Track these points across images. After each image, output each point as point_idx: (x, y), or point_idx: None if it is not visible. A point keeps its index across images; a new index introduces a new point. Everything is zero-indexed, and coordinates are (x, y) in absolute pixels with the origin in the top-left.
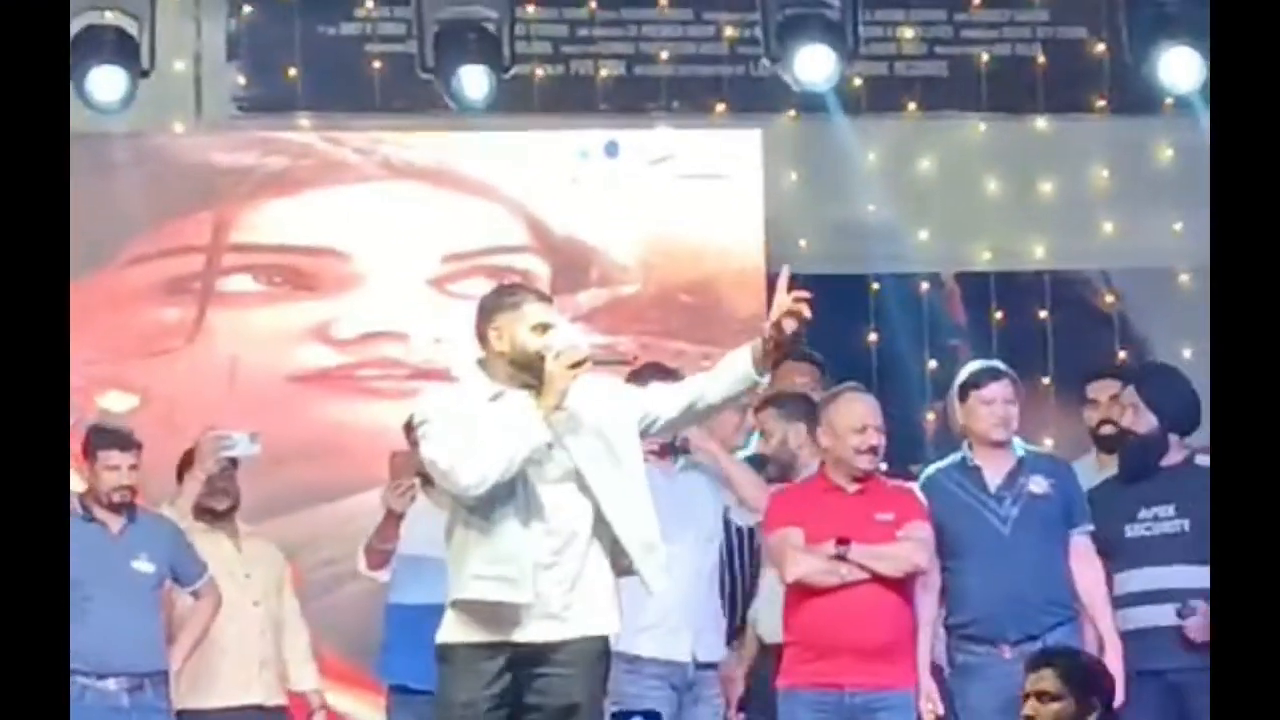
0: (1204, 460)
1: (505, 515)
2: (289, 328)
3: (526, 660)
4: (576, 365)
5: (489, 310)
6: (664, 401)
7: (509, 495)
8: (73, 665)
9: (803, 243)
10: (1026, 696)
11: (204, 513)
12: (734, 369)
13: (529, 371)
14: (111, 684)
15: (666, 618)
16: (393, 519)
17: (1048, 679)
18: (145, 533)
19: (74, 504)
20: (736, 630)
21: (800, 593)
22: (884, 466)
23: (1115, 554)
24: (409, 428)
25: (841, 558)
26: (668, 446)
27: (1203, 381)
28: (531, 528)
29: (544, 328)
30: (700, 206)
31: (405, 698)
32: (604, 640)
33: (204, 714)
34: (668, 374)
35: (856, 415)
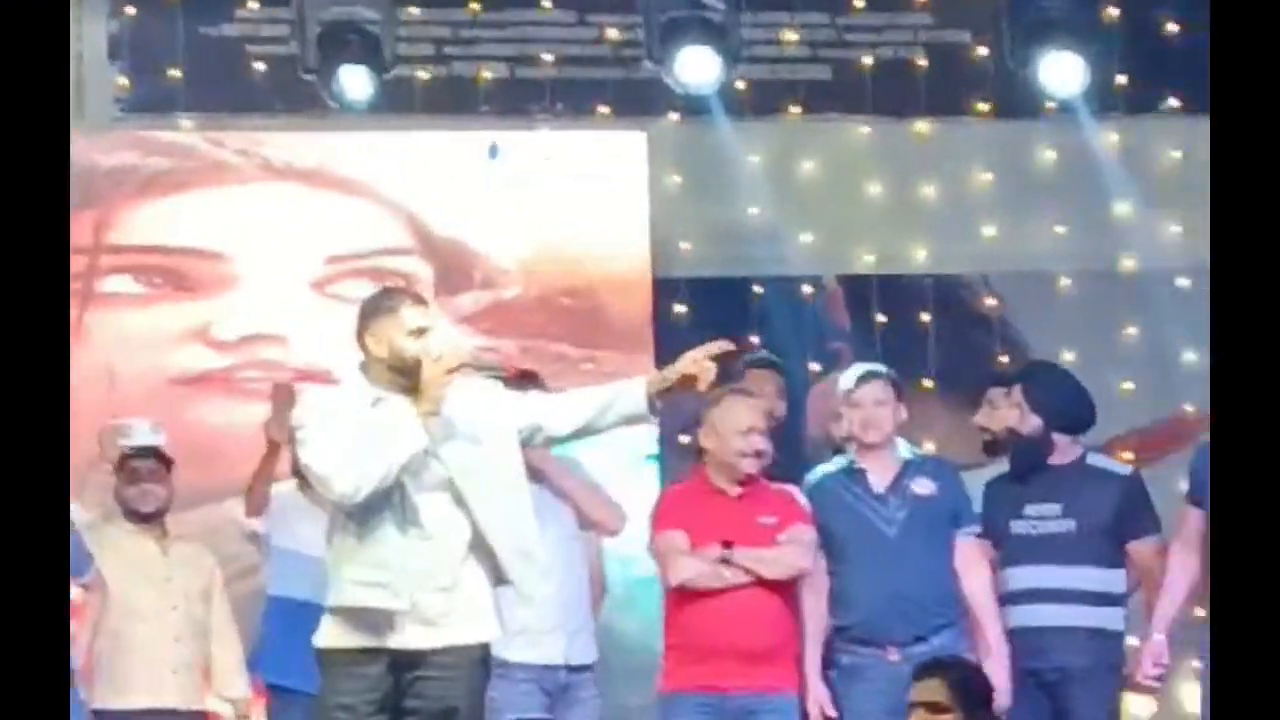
0: (1096, 460)
1: (383, 522)
2: (169, 329)
3: (405, 665)
4: (453, 370)
5: (367, 314)
6: (553, 418)
7: (387, 502)
8: None
9: (685, 245)
10: (914, 706)
11: (131, 514)
12: (627, 403)
13: (407, 376)
14: None
15: (538, 622)
16: (274, 453)
17: (936, 689)
18: None
19: None
20: None
21: (682, 596)
22: None
23: (1002, 550)
24: (268, 427)
25: (726, 561)
26: None
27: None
28: (409, 535)
29: (421, 332)
30: (583, 209)
31: (286, 698)
32: (483, 646)
33: (121, 714)
34: (537, 381)
35: (741, 418)
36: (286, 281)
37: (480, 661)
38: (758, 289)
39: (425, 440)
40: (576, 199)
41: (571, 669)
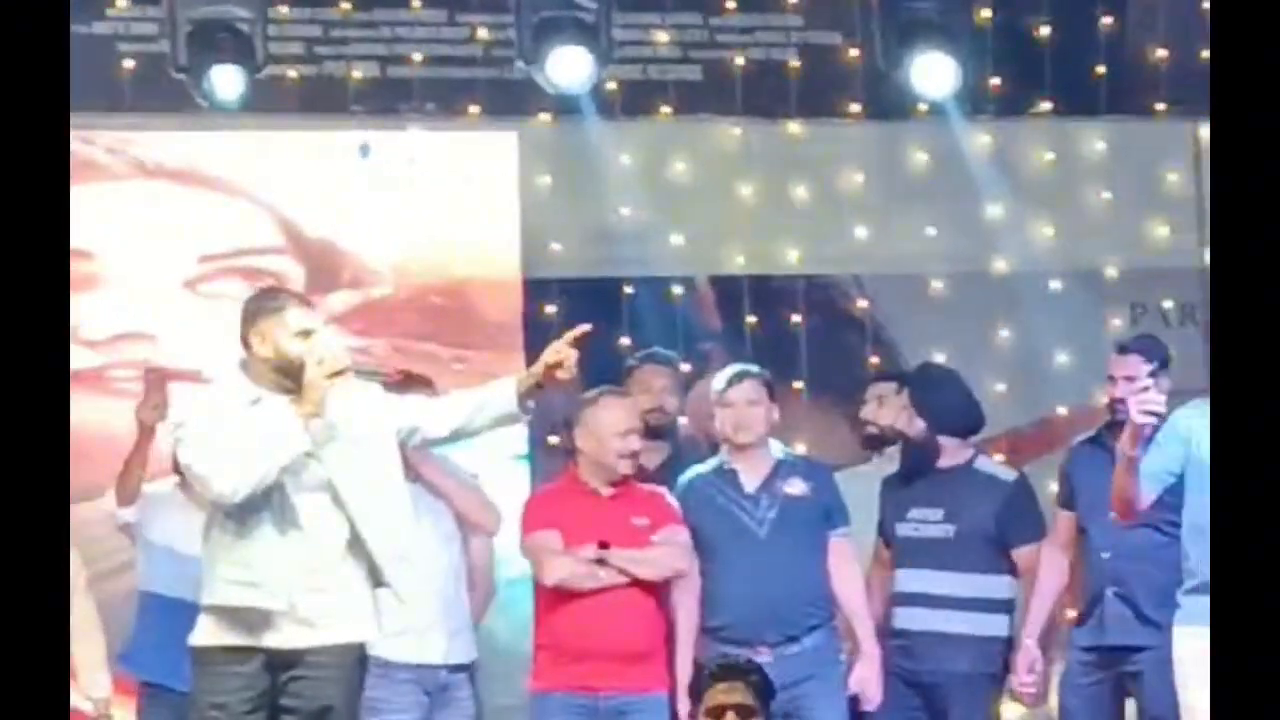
0: (983, 465)
1: (261, 522)
2: None
3: (281, 664)
4: (336, 374)
5: (252, 313)
6: (430, 420)
7: (265, 502)
8: None
9: (556, 246)
10: (721, 709)
11: None
12: (499, 403)
13: (289, 377)
14: None
15: (416, 621)
16: (146, 438)
17: (743, 692)
18: None
19: None
20: None
21: (554, 596)
22: None
23: (891, 550)
24: (139, 410)
25: (602, 561)
26: None
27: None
28: (287, 535)
29: (306, 333)
30: (454, 209)
31: (157, 695)
32: (360, 646)
33: None
34: (426, 385)
35: (618, 419)
36: (157, 280)
37: (356, 661)
38: (629, 289)
39: (306, 442)
40: (447, 199)
41: (451, 669)
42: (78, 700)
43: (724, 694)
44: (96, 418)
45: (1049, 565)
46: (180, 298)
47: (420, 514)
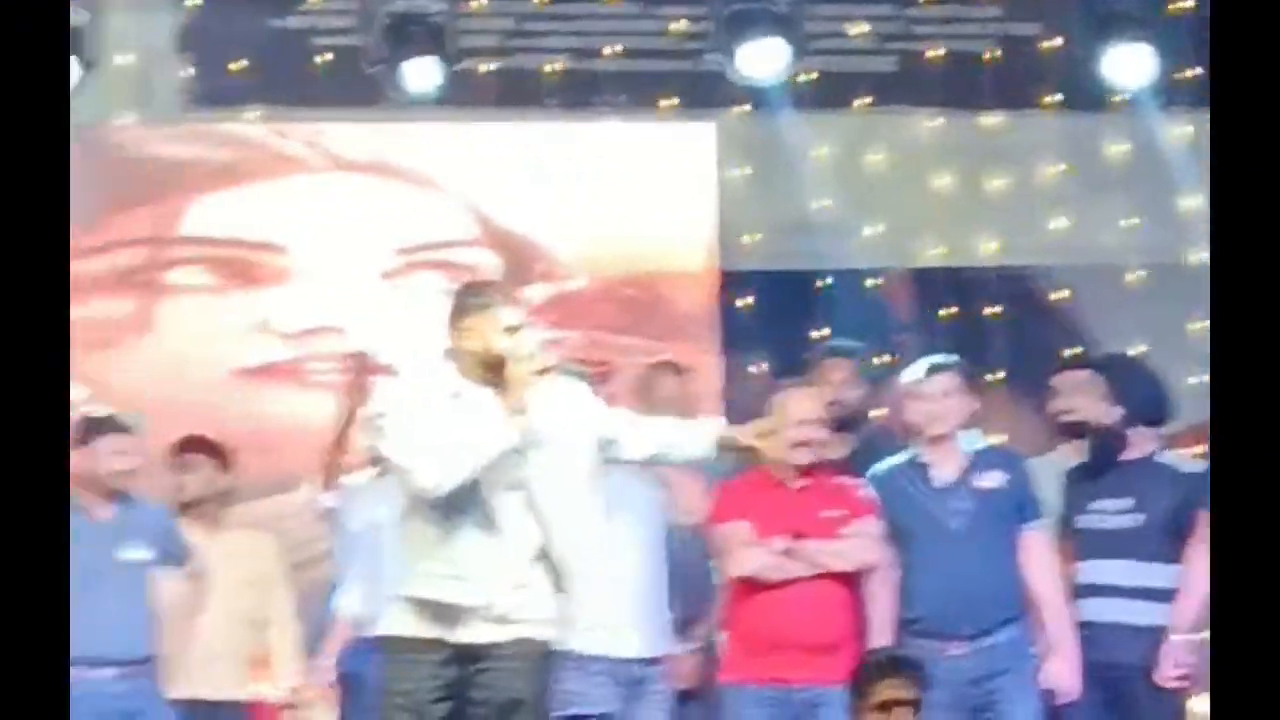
0: (1165, 458)
1: (463, 517)
2: (234, 321)
3: (470, 656)
4: (542, 371)
5: (460, 307)
6: (630, 440)
7: (468, 498)
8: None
9: (751, 238)
10: (890, 705)
11: (175, 505)
12: (697, 448)
13: (494, 372)
14: (106, 673)
15: (612, 615)
16: (349, 422)
17: (910, 687)
18: (135, 519)
19: None
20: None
21: (745, 587)
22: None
23: (1074, 543)
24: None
25: (792, 553)
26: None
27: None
28: (489, 532)
29: (513, 329)
30: (648, 201)
31: (359, 685)
32: (547, 642)
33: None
34: (676, 371)
35: (795, 409)
36: (353, 272)
37: (545, 655)
38: (824, 282)
39: (514, 439)
40: (643, 191)
41: (644, 662)
42: (268, 689)
43: (896, 688)
44: (292, 409)
45: (1199, 563)
46: (377, 290)
47: (621, 506)
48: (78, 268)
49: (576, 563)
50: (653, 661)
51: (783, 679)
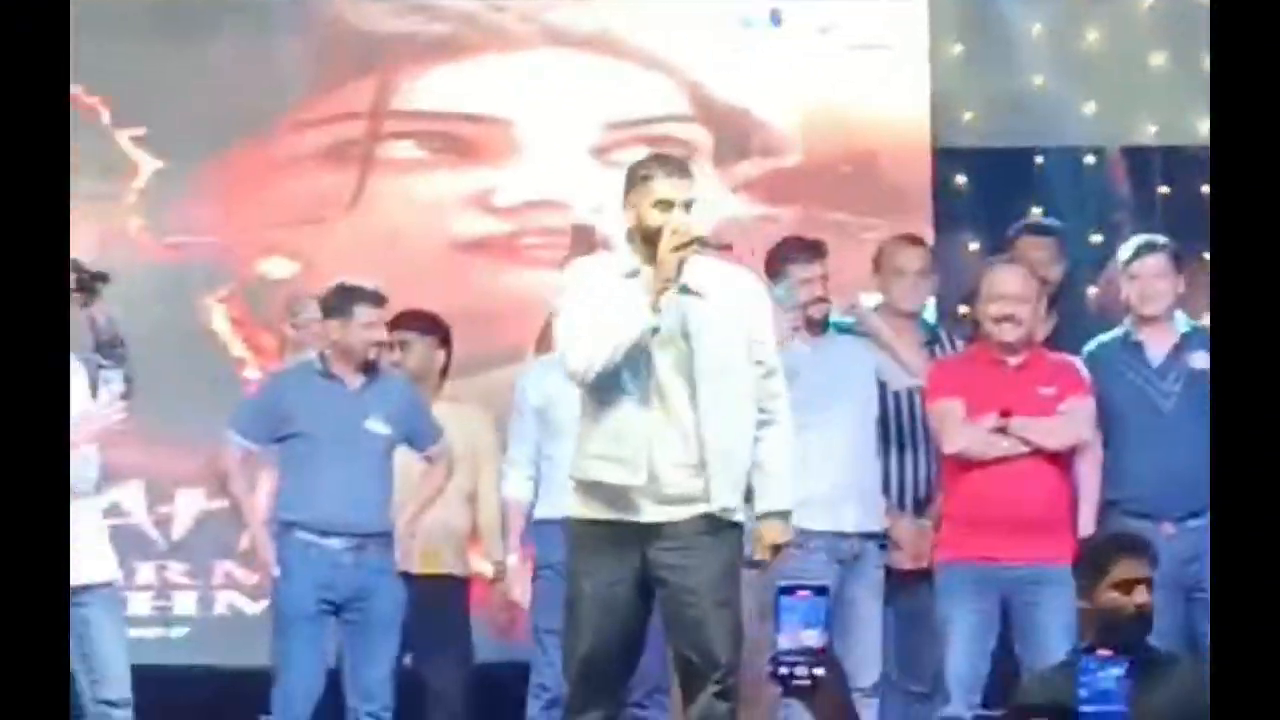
0: None
1: (625, 396)
2: (449, 195)
3: (647, 537)
4: (682, 246)
5: (627, 181)
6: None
7: (632, 375)
8: (299, 520)
9: (967, 115)
10: (1131, 584)
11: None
12: (766, 500)
13: (653, 249)
14: (336, 543)
15: (828, 489)
16: None
17: (1148, 566)
18: (383, 392)
19: (313, 359)
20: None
21: (959, 465)
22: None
23: None
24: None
25: (1003, 430)
26: (813, 321)
27: None
28: (651, 409)
29: (667, 204)
30: (864, 77)
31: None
32: (729, 519)
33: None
34: (811, 248)
35: (998, 285)
36: (567, 148)
37: (728, 533)
38: (1039, 159)
39: (653, 320)
40: (857, 66)
41: (863, 536)
42: (478, 564)
43: (1133, 567)
44: (507, 284)
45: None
46: (588, 166)
47: (838, 384)
48: (290, 141)
49: (721, 441)
50: (869, 536)
51: (993, 557)
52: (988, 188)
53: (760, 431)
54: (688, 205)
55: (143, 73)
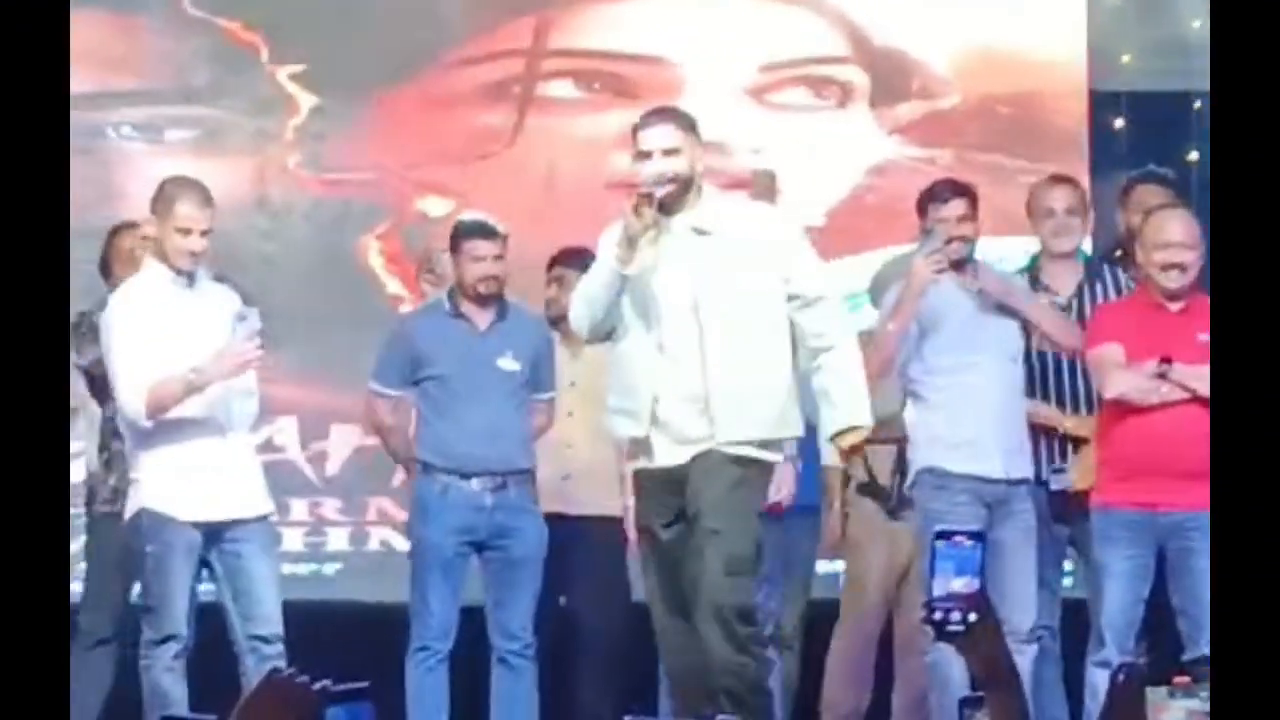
0: None
1: (629, 346)
2: (607, 134)
3: (677, 480)
4: (641, 199)
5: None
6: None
7: (643, 325)
8: (436, 462)
9: (1125, 58)
10: None
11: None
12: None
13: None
14: (475, 483)
15: (972, 433)
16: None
17: None
18: (514, 330)
19: (442, 299)
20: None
21: (1117, 410)
22: None
23: None
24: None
25: (1163, 376)
26: (961, 263)
27: None
28: (661, 356)
29: (644, 155)
30: (1022, 18)
31: None
32: (735, 453)
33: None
34: (949, 186)
35: (1163, 231)
36: (724, 89)
37: (736, 466)
38: (1198, 104)
39: (620, 269)
40: (1015, 8)
41: (1010, 482)
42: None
43: None
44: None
45: None
46: (745, 106)
47: (979, 335)
48: (449, 79)
49: (741, 385)
50: (1018, 482)
51: (1149, 503)
52: (1145, 131)
53: (818, 360)
54: (669, 152)
55: (302, 9)
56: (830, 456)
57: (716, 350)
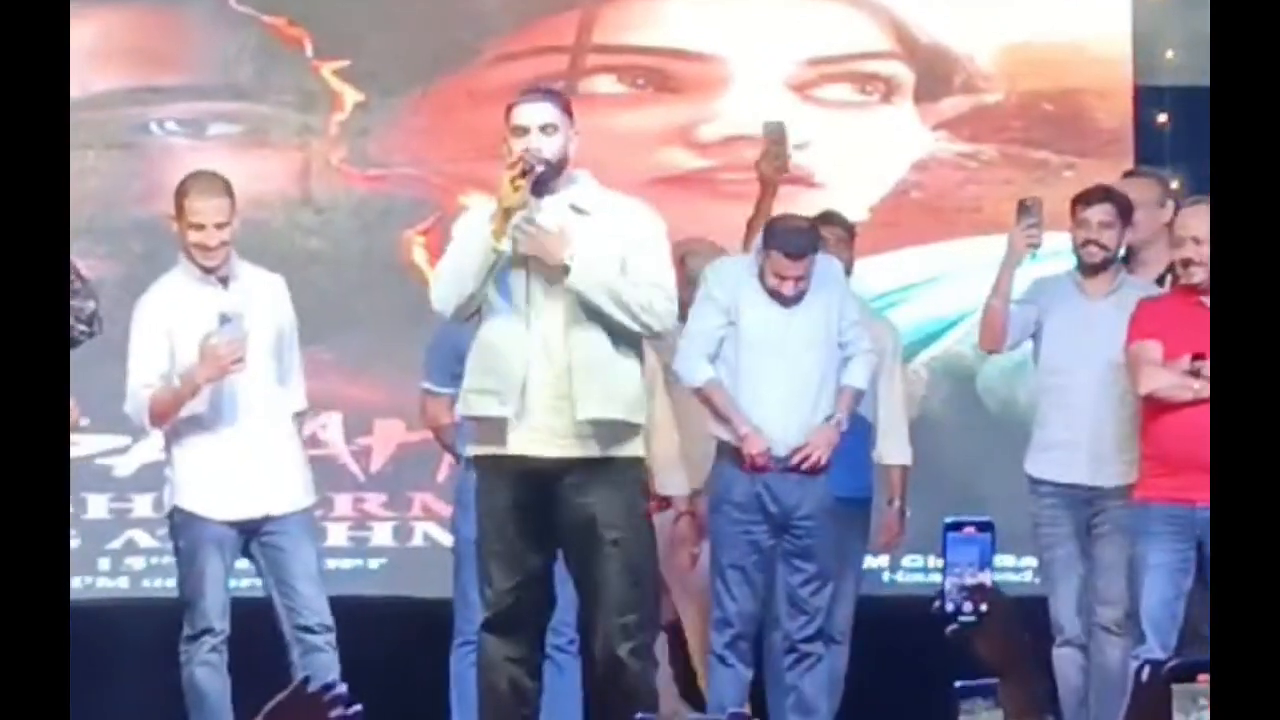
0: None
1: (494, 327)
2: (650, 130)
3: (549, 475)
4: (518, 170)
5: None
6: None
7: (508, 303)
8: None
9: (1170, 54)
10: None
11: None
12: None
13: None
14: None
15: (1070, 440)
16: (768, 193)
17: None
18: None
19: None
20: None
21: (1155, 407)
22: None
23: None
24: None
25: (1196, 373)
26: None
27: None
28: (521, 333)
29: (521, 130)
30: (1067, 14)
31: None
32: (627, 459)
33: None
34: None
35: (1185, 227)
36: (769, 84)
37: (632, 472)
38: None
39: (494, 245)
40: (1059, 3)
41: (1097, 489)
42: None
43: None
44: (709, 219)
45: None
46: (788, 101)
47: (1091, 337)
48: (492, 74)
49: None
50: (1105, 491)
51: (1189, 498)
52: (1190, 126)
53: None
54: (545, 129)
55: (346, 5)
56: (891, 454)
57: (574, 323)
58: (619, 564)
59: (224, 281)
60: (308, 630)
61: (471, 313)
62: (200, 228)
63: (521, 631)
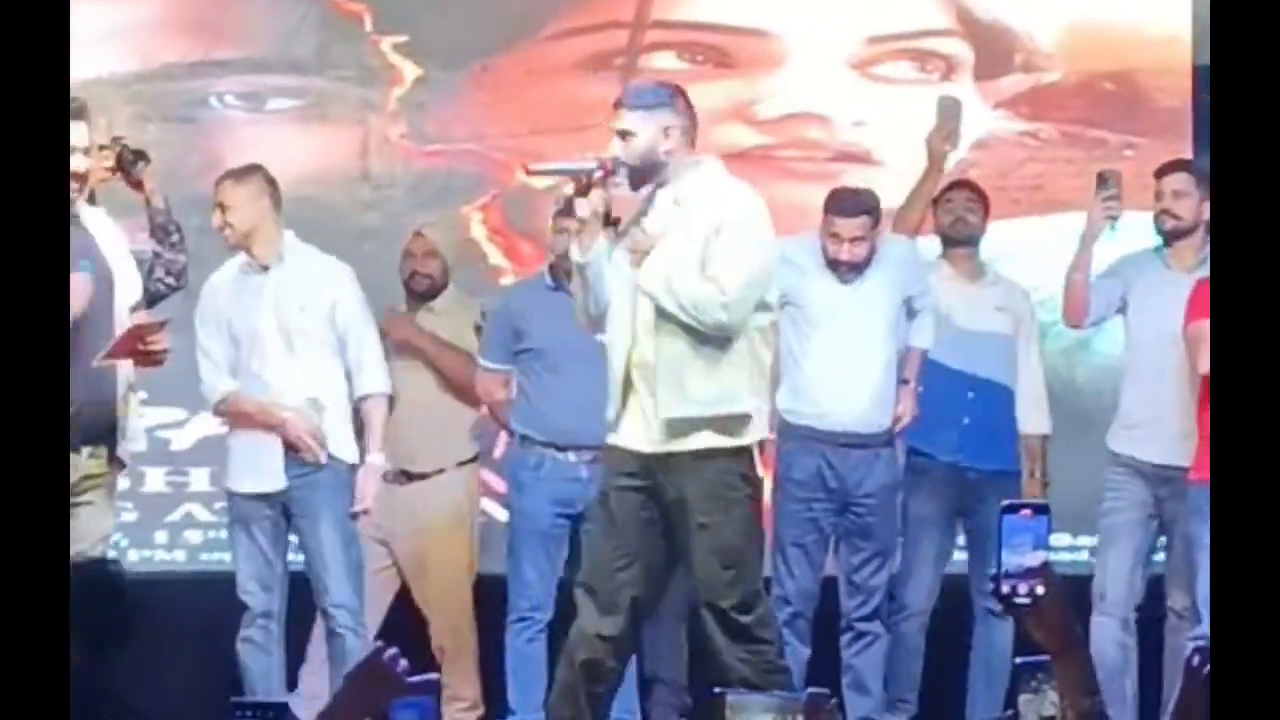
0: None
1: (613, 334)
2: (710, 106)
3: (646, 467)
4: (557, 214)
5: None
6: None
7: (619, 313)
8: (532, 434)
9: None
10: None
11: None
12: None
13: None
14: (572, 456)
15: (1152, 419)
16: (935, 170)
17: None
18: None
19: (544, 274)
20: None
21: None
22: None
23: None
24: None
25: None
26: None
27: None
28: (619, 341)
29: (625, 135)
30: None
31: None
32: (710, 450)
33: None
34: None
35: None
36: (827, 61)
37: (720, 461)
38: None
39: (579, 256)
40: None
41: (1173, 468)
42: None
43: None
44: (768, 196)
45: None
46: (849, 79)
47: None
48: (551, 50)
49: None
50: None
51: None
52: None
53: None
54: (624, 135)
55: None
56: (1032, 423)
57: (664, 324)
58: (707, 546)
59: (265, 269)
60: (323, 612)
61: (598, 319)
62: (223, 209)
63: (618, 612)
